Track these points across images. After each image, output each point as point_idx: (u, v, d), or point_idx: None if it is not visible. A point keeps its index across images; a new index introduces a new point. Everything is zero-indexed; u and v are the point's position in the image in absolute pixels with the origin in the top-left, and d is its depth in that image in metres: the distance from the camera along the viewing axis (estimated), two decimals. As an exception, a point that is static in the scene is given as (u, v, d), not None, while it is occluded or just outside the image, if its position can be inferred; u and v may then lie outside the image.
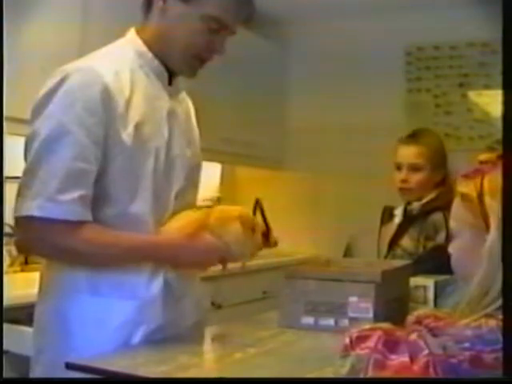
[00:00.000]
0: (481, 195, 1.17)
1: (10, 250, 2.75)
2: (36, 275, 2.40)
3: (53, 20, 2.65)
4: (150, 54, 1.61)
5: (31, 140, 1.48)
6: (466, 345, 1.02)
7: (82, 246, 1.48)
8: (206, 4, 1.56)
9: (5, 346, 1.42)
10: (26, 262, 2.82)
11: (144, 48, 1.61)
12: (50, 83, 1.50)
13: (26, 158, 1.50)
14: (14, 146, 1.70)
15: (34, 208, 1.44)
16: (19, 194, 1.48)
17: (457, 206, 1.24)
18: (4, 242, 2.46)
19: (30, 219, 1.44)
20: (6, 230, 2.09)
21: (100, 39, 1.69)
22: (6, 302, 1.37)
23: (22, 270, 2.78)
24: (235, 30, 1.64)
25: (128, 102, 1.53)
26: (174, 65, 1.63)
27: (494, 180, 1.17)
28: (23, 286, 2.45)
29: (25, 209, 1.45)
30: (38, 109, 1.50)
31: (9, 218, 1.52)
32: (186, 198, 1.69)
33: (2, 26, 1.51)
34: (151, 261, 1.57)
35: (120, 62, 1.58)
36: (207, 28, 1.58)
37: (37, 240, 1.50)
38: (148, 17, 1.63)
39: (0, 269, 1.92)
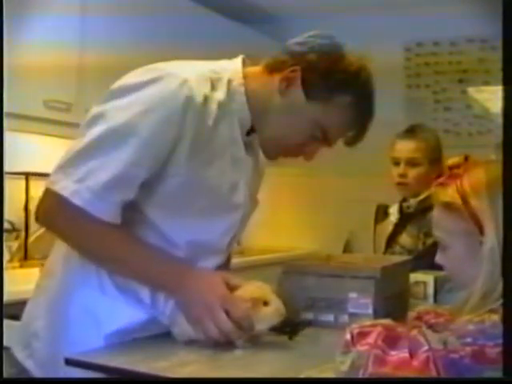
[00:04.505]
0: (466, 200, 1.16)
1: (9, 246, 2.75)
2: (35, 271, 2.42)
3: (53, 18, 2.64)
4: (243, 98, 1.48)
5: (98, 118, 1.39)
6: (469, 340, 1.02)
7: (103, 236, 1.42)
8: (325, 112, 1.46)
9: (4, 343, 1.41)
10: (25, 258, 2.82)
11: (242, 89, 1.48)
12: (143, 76, 1.41)
13: (86, 128, 1.40)
14: (15, 142, 1.70)
15: (72, 192, 1.36)
16: (61, 165, 1.39)
17: (441, 216, 1.23)
18: (3, 238, 2.46)
19: (64, 199, 1.36)
20: (6, 226, 2.09)
21: (100, 39, 1.67)
22: (4, 298, 1.36)
23: (21, 266, 2.78)
24: (332, 145, 1.54)
25: (208, 133, 1.43)
26: (258, 136, 1.52)
27: (474, 181, 1.17)
28: (22, 282, 2.45)
29: (63, 187, 1.37)
30: (119, 92, 1.40)
31: (9, 215, 1.51)
32: (234, 242, 1.66)
33: (2, 25, 1.49)
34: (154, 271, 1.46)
35: (213, 89, 1.45)
36: (310, 133, 1.48)
37: (62, 219, 1.42)
38: (266, 71, 1.51)
39: (0, 267, 1.91)
